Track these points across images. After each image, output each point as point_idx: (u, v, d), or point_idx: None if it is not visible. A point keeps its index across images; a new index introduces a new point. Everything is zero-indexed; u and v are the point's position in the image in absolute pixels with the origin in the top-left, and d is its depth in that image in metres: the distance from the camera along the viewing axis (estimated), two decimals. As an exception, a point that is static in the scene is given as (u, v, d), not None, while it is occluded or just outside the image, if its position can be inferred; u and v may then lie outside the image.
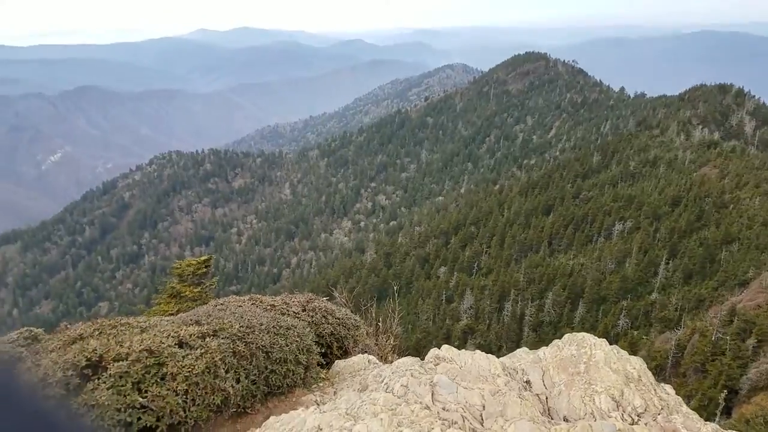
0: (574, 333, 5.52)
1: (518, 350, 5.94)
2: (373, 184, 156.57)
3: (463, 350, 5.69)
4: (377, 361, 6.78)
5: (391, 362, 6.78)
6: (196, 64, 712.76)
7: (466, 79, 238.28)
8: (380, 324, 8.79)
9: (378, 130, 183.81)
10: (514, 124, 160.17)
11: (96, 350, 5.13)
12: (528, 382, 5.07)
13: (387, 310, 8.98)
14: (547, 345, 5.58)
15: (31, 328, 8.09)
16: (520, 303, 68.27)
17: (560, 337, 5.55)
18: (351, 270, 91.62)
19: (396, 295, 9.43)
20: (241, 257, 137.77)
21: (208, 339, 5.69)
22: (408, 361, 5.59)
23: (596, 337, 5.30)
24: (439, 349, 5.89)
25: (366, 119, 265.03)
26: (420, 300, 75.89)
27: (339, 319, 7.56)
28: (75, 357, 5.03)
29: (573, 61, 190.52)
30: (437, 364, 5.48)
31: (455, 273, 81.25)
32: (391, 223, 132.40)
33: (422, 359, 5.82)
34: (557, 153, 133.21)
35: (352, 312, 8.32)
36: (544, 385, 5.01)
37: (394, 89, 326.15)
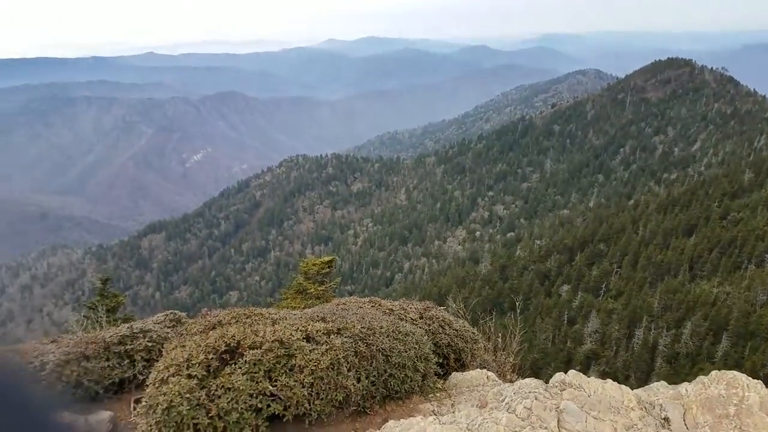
0: (722, 371, 4.98)
1: (655, 383, 5.51)
2: (490, 193, 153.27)
3: (592, 377, 5.38)
4: (496, 378, 6.60)
5: (511, 381, 6.57)
6: (325, 73, 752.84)
7: (599, 86, 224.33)
8: (499, 340, 8.56)
9: (499, 137, 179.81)
10: (652, 134, 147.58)
11: (234, 337, 5.55)
12: (666, 419, 4.67)
13: (507, 325, 8.72)
14: (683, 379, 5.20)
15: (175, 311, 9.02)
16: (653, 331, 62.60)
17: (699, 372, 5.02)
18: (464, 280, 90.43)
19: (517, 311, 9.11)
20: (357, 258, 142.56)
21: (332, 336, 5.93)
22: (531, 382, 5.38)
23: (750, 378, 4.74)
24: (565, 373, 5.60)
25: (487, 126, 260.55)
26: (538, 318, 72.67)
27: (457, 330, 7.47)
28: (216, 342, 5.48)
29: (722, 68, 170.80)
30: (563, 390, 5.23)
31: (579, 293, 76.72)
32: (509, 235, 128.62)
33: (545, 382, 5.56)
34: (702, 168, 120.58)
35: (469, 324, 8.19)
36: (686, 424, 4.60)
37: (518, 95, 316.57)
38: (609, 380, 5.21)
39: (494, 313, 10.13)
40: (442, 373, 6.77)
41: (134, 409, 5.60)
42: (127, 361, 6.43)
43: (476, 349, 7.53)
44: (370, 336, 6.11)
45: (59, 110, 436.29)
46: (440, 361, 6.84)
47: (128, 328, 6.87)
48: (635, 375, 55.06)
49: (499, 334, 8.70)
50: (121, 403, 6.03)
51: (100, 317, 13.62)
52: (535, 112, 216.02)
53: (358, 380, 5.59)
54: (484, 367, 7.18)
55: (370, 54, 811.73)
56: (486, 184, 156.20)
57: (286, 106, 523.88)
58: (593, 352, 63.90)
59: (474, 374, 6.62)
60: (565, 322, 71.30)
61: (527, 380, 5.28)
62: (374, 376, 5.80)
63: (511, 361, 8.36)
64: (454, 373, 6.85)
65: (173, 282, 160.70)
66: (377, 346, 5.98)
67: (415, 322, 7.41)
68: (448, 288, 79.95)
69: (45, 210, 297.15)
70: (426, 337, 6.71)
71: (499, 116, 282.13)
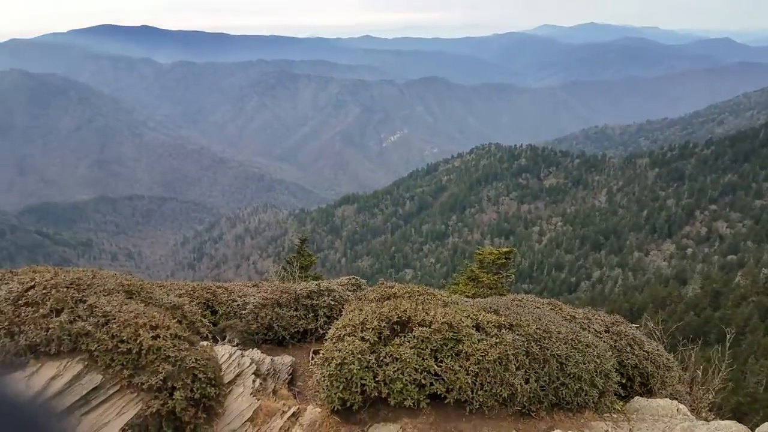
0: None
1: None
2: (713, 207, 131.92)
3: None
4: (688, 413, 5.75)
5: (706, 420, 5.70)
6: (533, 60, 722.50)
7: None
8: (699, 373, 7.41)
9: (733, 143, 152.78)
10: None
11: (406, 311, 5.77)
12: None
13: (711, 359, 7.51)
14: None
15: (357, 277, 9.86)
16: None
17: None
18: (664, 300, 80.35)
19: (726, 345, 7.79)
20: (539, 257, 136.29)
21: (504, 331, 5.78)
22: (732, 426, 4.63)
23: None
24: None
25: (719, 130, 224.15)
26: (752, 358, 61.61)
27: (648, 352, 6.68)
28: (389, 312, 5.77)
29: None
30: (775, 446, 4.36)
31: (811, 337, 62.84)
32: (729, 257, 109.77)
33: (751, 429, 4.72)
34: None
35: (664, 349, 7.24)
36: None
37: (764, 98, 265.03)
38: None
39: (698, 342, 8.80)
40: (623, 395, 6.20)
41: (312, 358, 6.28)
42: (311, 314, 7.18)
43: (668, 377, 6.67)
44: (545, 339, 5.83)
45: (284, 85, 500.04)
46: (623, 381, 6.27)
47: (316, 285, 7.71)
48: None
49: (700, 367, 7.60)
50: (302, 351, 6.80)
51: (294, 272, 15.51)
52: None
53: (526, 381, 5.40)
54: (675, 398, 6.32)
55: (586, 41, 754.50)
56: (709, 196, 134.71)
57: (486, 92, 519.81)
58: (820, 411, 51.83)
59: (662, 403, 5.87)
60: (789, 369, 59.09)
61: (727, 422, 4.52)
62: (545, 380, 5.54)
63: (710, 398, 7.25)
64: (637, 397, 6.18)
65: (358, 251, 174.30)
66: (552, 351, 5.68)
67: (599, 334, 6.85)
68: (643, 306, 72.13)
69: (263, 172, 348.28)
70: (610, 353, 6.21)
71: (736, 120, 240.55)
